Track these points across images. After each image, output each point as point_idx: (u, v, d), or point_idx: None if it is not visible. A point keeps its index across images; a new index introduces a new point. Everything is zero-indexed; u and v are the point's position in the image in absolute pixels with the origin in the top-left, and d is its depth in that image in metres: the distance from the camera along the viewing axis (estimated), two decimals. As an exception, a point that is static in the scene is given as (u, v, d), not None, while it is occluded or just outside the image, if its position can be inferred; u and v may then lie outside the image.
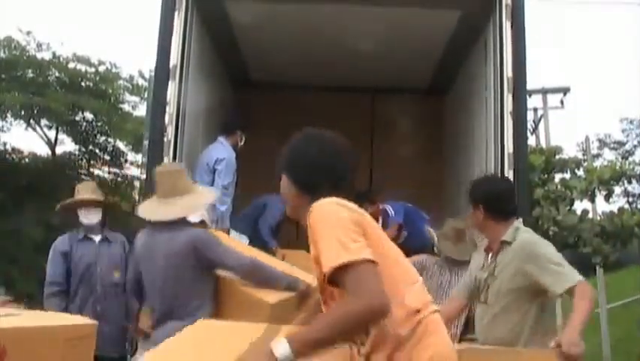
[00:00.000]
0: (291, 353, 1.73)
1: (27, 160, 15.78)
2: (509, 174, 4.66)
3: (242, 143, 5.63)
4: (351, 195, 2.12)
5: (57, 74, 14.95)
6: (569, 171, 9.75)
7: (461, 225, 4.72)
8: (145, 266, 3.61)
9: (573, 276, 3.02)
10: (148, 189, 4.06)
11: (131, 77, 15.83)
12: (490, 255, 3.33)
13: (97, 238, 4.55)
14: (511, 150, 4.72)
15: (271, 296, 3.45)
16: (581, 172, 9.70)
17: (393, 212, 5.84)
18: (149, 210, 3.62)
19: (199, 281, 3.50)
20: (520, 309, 3.15)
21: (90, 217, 4.52)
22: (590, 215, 9.74)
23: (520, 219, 3.43)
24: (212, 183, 5.21)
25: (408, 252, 5.81)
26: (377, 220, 5.81)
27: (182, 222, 3.58)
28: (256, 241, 5.51)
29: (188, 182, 3.76)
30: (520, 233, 3.26)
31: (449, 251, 4.66)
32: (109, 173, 16.36)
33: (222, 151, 5.38)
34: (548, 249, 3.17)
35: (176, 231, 3.51)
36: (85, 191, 4.62)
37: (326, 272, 1.84)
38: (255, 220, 5.91)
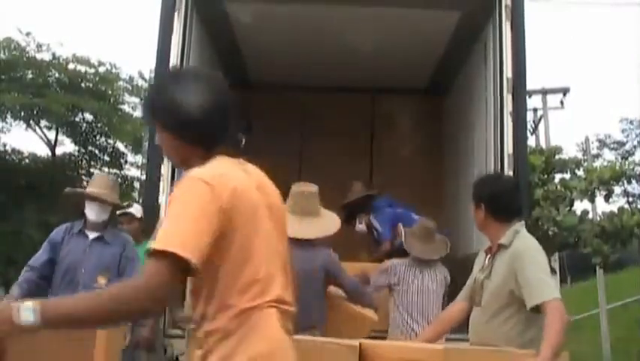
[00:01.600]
0: (38, 321, 1.54)
1: (27, 161, 15.79)
2: (509, 174, 4.65)
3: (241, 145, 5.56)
4: (239, 144, 1.98)
5: (57, 75, 14.96)
6: (568, 172, 9.74)
7: (431, 224, 4.76)
8: None
9: (549, 292, 2.92)
10: (148, 189, 4.04)
11: (131, 78, 15.86)
12: (488, 256, 3.27)
13: (91, 236, 4.09)
14: (510, 151, 4.72)
15: (372, 313, 4.02)
16: (580, 172, 9.69)
17: (379, 226, 5.80)
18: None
19: (322, 297, 3.79)
20: (512, 316, 3.07)
21: (95, 214, 4.08)
22: (590, 215, 9.73)
23: (523, 222, 3.34)
24: None
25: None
26: (370, 231, 5.84)
27: (314, 241, 3.80)
28: None
29: (319, 204, 3.96)
30: (518, 237, 3.18)
31: (416, 251, 4.66)
32: (109, 174, 16.38)
33: None
34: (537, 258, 3.08)
35: (309, 249, 3.73)
36: (98, 185, 4.20)
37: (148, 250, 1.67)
38: None
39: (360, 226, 5.91)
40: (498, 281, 3.12)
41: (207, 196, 1.72)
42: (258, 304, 1.80)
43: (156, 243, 1.63)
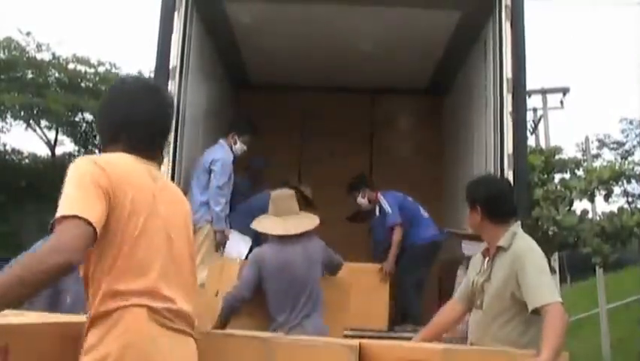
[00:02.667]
0: None
1: (27, 161, 15.80)
2: (509, 174, 4.66)
3: (236, 145, 5.54)
4: (153, 147, 2.12)
5: (57, 75, 14.96)
6: (568, 172, 9.74)
7: None
8: (281, 274, 3.99)
9: (550, 295, 2.91)
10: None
11: (131, 78, 15.83)
12: (487, 259, 3.25)
13: None
14: (510, 150, 4.72)
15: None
16: (580, 172, 9.69)
17: (388, 208, 5.79)
18: (276, 226, 4.12)
19: (319, 284, 4.12)
20: (513, 318, 3.06)
21: None
22: (590, 215, 9.73)
23: (519, 223, 3.33)
24: (207, 183, 5.20)
25: (405, 248, 5.82)
26: (374, 207, 5.83)
27: (305, 234, 4.13)
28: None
29: (296, 204, 4.31)
30: (517, 239, 3.17)
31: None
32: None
33: (219, 152, 5.37)
34: (537, 260, 3.08)
35: (306, 241, 4.10)
36: None
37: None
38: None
39: (363, 200, 5.89)
40: (498, 284, 3.11)
41: (97, 174, 1.88)
42: (127, 297, 1.87)
43: (59, 212, 1.78)
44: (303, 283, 4.01)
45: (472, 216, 3.33)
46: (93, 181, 1.87)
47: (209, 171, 5.24)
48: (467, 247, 4.54)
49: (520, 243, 3.16)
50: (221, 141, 5.53)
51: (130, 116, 2.08)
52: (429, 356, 2.41)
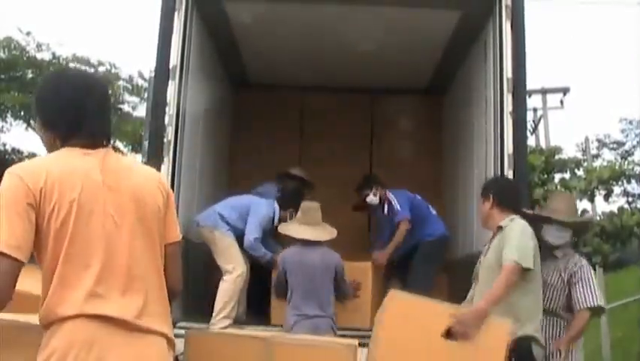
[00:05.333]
0: None
1: (27, 161, 15.80)
2: (509, 174, 4.65)
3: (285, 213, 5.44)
4: (98, 136, 2.12)
5: (57, 75, 14.95)
6: (568, 171, 9.77)
7: None
8: (300, 269, 4.65)
9: (511, 255, 3.39)
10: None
11: (131, 78, 15.88)
12: (490, 240, 3.73)
13: None
14: (510, 150, 4.71)
15: None
16: (580, 172, 9.73)
17: (398, 205, 5.78)
18: (303, 232, 4.78)
19: (332, 290, 4.72)
20: None
21: None
22: (590, 215, 9.75)
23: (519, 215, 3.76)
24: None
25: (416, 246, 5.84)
26: (382, 205, 5.83)
27: (325, 243, 4.80)
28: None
29: (320, 214, 4.92)
30: (515, 220, 3.63)
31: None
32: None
33: (265, 208, 5.35)
34: (519, 232, 3.53)
35: (325, 249, 4.76)
36: None
37: None
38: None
39: (374, 198, 5.87)
40: (491, 256, 3.59)
41: (19, 189, 1.90)
42: (67, 301, 1.91)
43: None
44: (320, 281, 4.63)
45: (484, 205, 3.85)
46: (15, 198, 1.89)
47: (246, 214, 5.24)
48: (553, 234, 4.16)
49: (516, 221, 3.64)
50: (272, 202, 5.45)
51: (51, 110, 2.10)
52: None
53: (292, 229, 4.90)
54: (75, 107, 2.10)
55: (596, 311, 3.94)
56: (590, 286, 3.89)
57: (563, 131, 43.53)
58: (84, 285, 1.94)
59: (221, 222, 5.18)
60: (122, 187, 2.06)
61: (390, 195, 5.82)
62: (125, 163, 2.19)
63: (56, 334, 1.91)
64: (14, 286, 1.86)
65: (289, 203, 5.39)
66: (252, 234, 5.14)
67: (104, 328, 1.92)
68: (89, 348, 1.89)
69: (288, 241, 4.98)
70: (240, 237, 5.18)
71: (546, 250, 3.96)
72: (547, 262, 3.94)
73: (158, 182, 2.20)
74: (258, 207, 5.32)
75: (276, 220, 5.37)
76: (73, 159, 2.03)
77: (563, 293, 3.95)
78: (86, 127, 2.09)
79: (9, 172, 1.95)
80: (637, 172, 9.87)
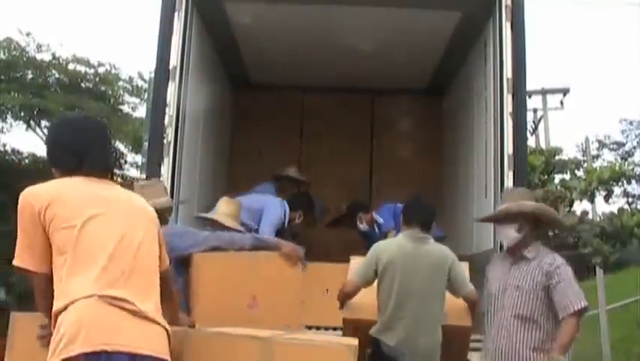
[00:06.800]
0: None
1: (27, 161, 15.78)
2: (509, 174, 4.65)
3: (298, 220, 5.51)
4: (104, 169, 2.41)
5: (57, 76, 14.94)
6: (568, 172, 9.76)
7: None
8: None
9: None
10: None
11: (131, 79, 15.83)
12: None
13: None
14: (510, 151, 4.71)
15: None
16: (580, 173, 9.71)
17: (382, 220, 5.82)
18: None
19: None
20: None
21: None
22: (590, 216, 9.75)
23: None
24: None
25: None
26: (373, 227, 5.84)
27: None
28: None
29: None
30: None
31: None
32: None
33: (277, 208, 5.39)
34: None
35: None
36: None
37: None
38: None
39: (363, 226, 5.90)
40: None
41: (29, 209, 2.24)
42: (75, 287, 2.09)
43: (16, 257, 2.26)
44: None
45: None
46: (31, 219, 2.24)
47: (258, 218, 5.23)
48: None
49: None
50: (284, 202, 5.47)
51: (65, 147, 2.42)
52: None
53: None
54: (73, 146, 2.38)
55: (582, 313, 3.54)
56: (572, 287, 3.52)
57: (563, 131, 43.46)
58: (93, 275, 2.11)
59: None
60: (123, 204, 2.35)
61: (376, 215, 5.85)
62: (125, 192, 2.46)
63: (66, 318, 2.04)
64: (46, 295, 2.16)
65: (300, 205, 5.47)
66: (265, 234, 5.08)
67: (112, 308, 2.06)
68: (98, 328, 2.01)
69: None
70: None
71: (515, 255, 3.69)
72: (520, 265, 3.64)
73: (152, 217, 2.45)
74: (272, 207, 5.33)
75: (285, 221, 5.40)
76: (76, 182, 2.33)
77: (537, 297, 3.56)
78: (87, 164, 2.34)
79: (22, 194, 2.29)
80: (637, 173, 9.86)
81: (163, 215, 4.00)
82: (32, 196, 2.24)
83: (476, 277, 4.18)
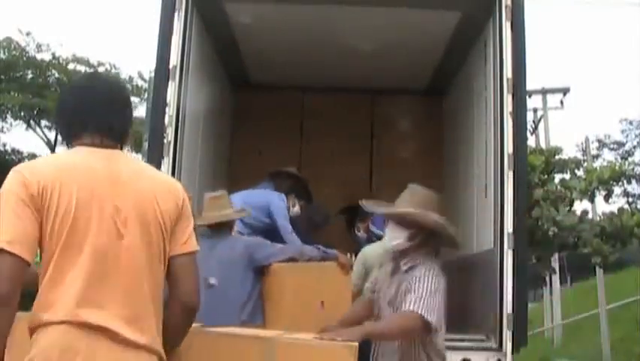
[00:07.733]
0: None
1: (27, 161, 15.81)
2: (509, 174, 4.65)
3: (294, 208, 5.49)
4: (109, 132, 2.10)
5: (57, 75, 14.97)
6: (568, 172, 9.75)
7: None
8: None
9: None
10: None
11: (131, 78, 15.89)
12: None
13: None
14: (510, 151, 4.71)
15: None
16: (580, 173, 9.70)
17: (377, 230, 5.83)
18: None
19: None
20: None
21: None
22: (590, 215, 9.74)
23: None
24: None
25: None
26: (369, 236, 5.84)
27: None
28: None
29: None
30: None
31: None
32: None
33: (276, 199, 5.38)
34: None
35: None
36: None
37: None
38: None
39: (360, 234, 5.90)
40: None
41: (21, 187, 1.91)
42: (53, 306, 1.87)
43: None
44: None
45: None
46: (16, 197, 1.89)
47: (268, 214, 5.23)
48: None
49: None
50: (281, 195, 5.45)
51: (67, 109, 2.14)
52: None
53: None
54: (75, 107, 2.12)
55: (424, 322, 2.80)
56: (423, 298, 2.84)
57: (563, 131, 43.51)
58: (73, 290, 1.88)
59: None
60: (125, 191, 2.00)
61: (372, 228, 5.85)
62: (133, 167, 2.12)
63: (38, 340, 1.87)
64: (17, 282, 1.82)
65: (290, 189, 5.52)
66: (287, 229, 5.18)
67: (87, 337, 1.86)
68: (70, 357, 1.84)
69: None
70: (260, 231, 5.12)
71: (395, 263, 3.15)
72: (393, 278, 3.11)
73: (170, 190, 2.12)
74: (275, 200, 5.33)
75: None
76: (77, 157, 2.04)
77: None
78: (91, 125, 2.08)
79: (13, 170, 1.98)
80: (637, 173, 9.87)
81: (231, 225, 4.29)
82: (30, 173, 1.96)
83: (476, 277, 4.18)
